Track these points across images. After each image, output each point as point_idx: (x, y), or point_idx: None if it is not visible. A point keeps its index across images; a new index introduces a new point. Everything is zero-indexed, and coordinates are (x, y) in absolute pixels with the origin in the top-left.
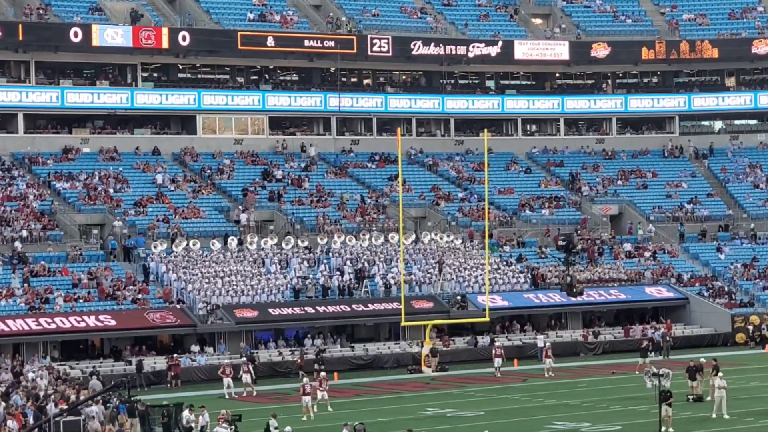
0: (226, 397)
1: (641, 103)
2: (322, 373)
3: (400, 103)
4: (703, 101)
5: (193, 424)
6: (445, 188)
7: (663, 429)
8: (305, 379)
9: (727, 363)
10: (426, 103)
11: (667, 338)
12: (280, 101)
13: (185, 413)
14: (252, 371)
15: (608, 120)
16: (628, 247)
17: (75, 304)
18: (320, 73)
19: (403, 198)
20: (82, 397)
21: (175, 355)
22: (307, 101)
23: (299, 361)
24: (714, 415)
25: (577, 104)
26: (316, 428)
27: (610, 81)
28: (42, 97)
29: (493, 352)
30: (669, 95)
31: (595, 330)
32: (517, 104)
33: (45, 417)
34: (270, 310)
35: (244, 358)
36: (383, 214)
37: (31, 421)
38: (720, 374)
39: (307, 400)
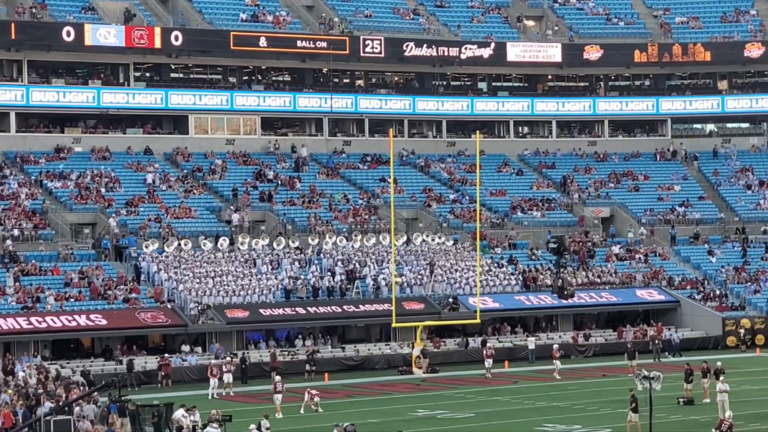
0: (210, 397)
1: (634, 106)
2: (314, 391)
3: (392, 105)
4: (696, 104)
5: (183, 423)
6: (436, 189)
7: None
8: (277, 377)
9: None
10: (418, 105)
11: (657, 341)
12: (272, 102)
13: (178, 412)
14: (231, 371)
15: (600, 122)
16: (616, 249)
17: (66, 304)
18: (313, 73)
19: (394, 199)
20: (72, 397)
21: (165, 355)
22: (300, 102)
23: (272, 362)
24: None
25: (570, 106)
26: (307, 429)
27: (602, 83)
28: (34, 96)
29: (484, 352)
30: (661, 98)
31: (585, 332)
32: (509, 106)
33: (35, 416)
34: (261, 311)
35: (228, 358)
36: (375, 215)
37: (21, 421)
38: (722, 378)
39: (278, 397)
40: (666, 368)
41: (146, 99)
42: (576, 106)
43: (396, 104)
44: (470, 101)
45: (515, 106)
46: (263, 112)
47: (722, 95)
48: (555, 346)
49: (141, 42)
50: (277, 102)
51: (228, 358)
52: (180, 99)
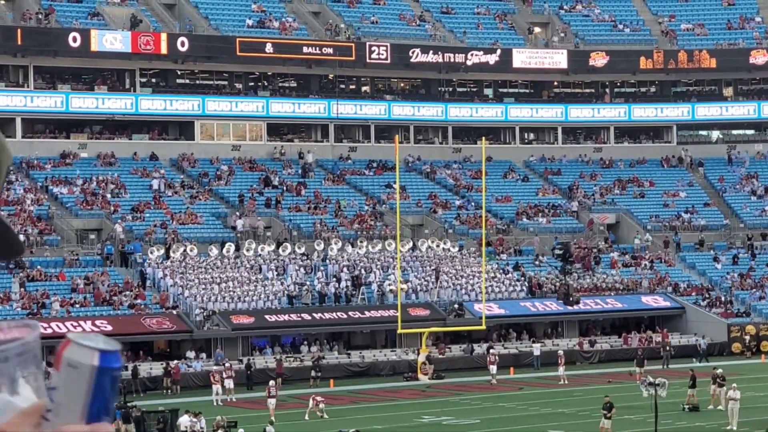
0: (214, 403)
1: (639, 113)
2: (319, 397)
3: (398, 111)
4: (701, 111)
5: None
6: (442, 196)
7: None
8: (270, 382)
9: (724, 373)
10: (424, 111)
11: (668, 348)
12: (278, 108)
13: (184, 417)
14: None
15: (606, 129)
16: (615, 255)
17: (72, 309)
18: (319, 79)
19: (400, 205)
20: None
21: (174, 362)
22: (306, 108)
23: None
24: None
25: (576, 113)
26: None
27: (608, 90)
28: (40, 102)
29: (488, 359)
30: (667, 105)
31: (591, 339)
32: (515, 112)
33: None
34: (266, 317)
35: (227, 364)
36: (380, 221)
37: None
38: (734, 385)
39: (272, 402)
40: (672, 375)
41: (152, 105)
42: (582, 113)
43: (402, 110)
44: (476, 107)
45: (521, 113)
46: (269, 118)
47: (727, 102)
48: (560, 353)
49: (147, 48)
50: (283, 108)
51: (227, 364)
52: (186, 105)
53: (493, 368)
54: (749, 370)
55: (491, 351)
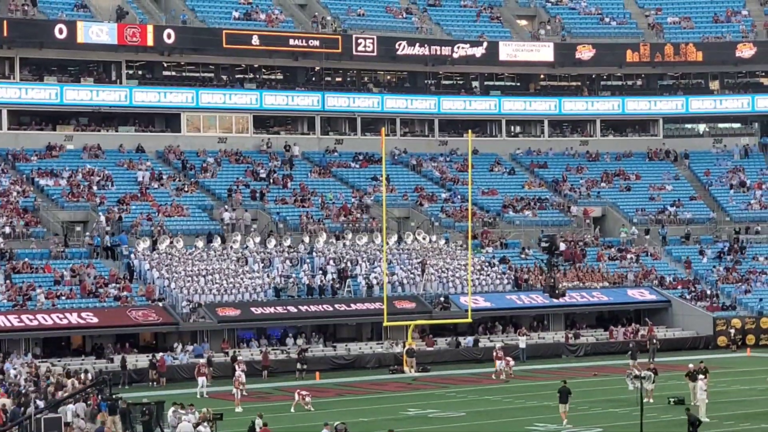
0: (198, 395)
1: (626, 106)
2: (304, 391)
3: (384, 103)
4: (687, 104)
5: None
6: (428, 189)
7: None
8: (237, 373)
9: (710, 366)
10: (410, 104)
11: (654, 341)
12: (264, 100)
13: (171, 410)
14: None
15: (592, 122)
16: (603, 250)
17: (57, 301)
18: (305, 72)
19: (386, 198)
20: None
21: (160, 354)
22: (292, 100)
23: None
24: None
25: (562, 106)
26: (297, 428)
27: (594, 83)
28: (26, 94)
29: (494, 353)
30: (653, 98)
31: (576, 332)
32: (501, 105)
33: (25, 414)
34: (252, 309)
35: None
36: (367, 214)
37: (11, 419)
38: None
39: (237, 392)
40: (660, 368)
41: (139, 97)
42: (568, 106)
43: (388, 103)
44: (463, 100)
45: (508, 106)
46: (256, 110)
47: (714, 95)
48: (497, 346)
49: (134, 40)
50: (269, 100)
51: (203, 360)
52: (172, 97)
53: (500, 363)
54: (735, 363)
55: (497, 346)
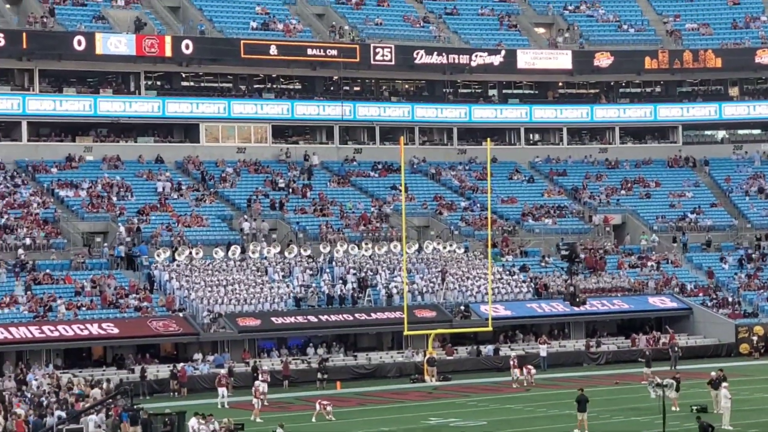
0: (219, 406)
1: (644, 113)
2: (325, 401)
3: (402, 112)
4: (706, 111)
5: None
6: (447, 197)
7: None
8: (256, 383)
9: (732, 374)
10: (428, 112)
11: (676, 349)
12: (282, 110)
13: (192, 420)
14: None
15: (611, 129)
16: (617, 257)
17: (78, 312)
18: (323, 81)
19: (406, 207)
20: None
21: (181, 364)
22: (310, 110)
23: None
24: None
25: (580, 113)
26: None
27: (613, 90)
28: (45, 105)
29: (511, 362)
30: (672, 105)
31: (597, 340)
32: (519, 113)
33: (46, 426)
34: (273, 319)
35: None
36: (386, 223)
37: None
38: (725, 384)
39: (257, 402)
40: (682, 376)
41: (157, 107)
42: (586, 113)
43: (406, 112)
44: (481, 109)
45: (526, 114)
46: (274, 120)
47: (733, 101)
48: (512, 354)
49: (152, 51)
50: (287, 110)
51: (224, 370)
52: (191, 107)
53: (516, 372)
54: (758, 371)
55: (511, 355)
